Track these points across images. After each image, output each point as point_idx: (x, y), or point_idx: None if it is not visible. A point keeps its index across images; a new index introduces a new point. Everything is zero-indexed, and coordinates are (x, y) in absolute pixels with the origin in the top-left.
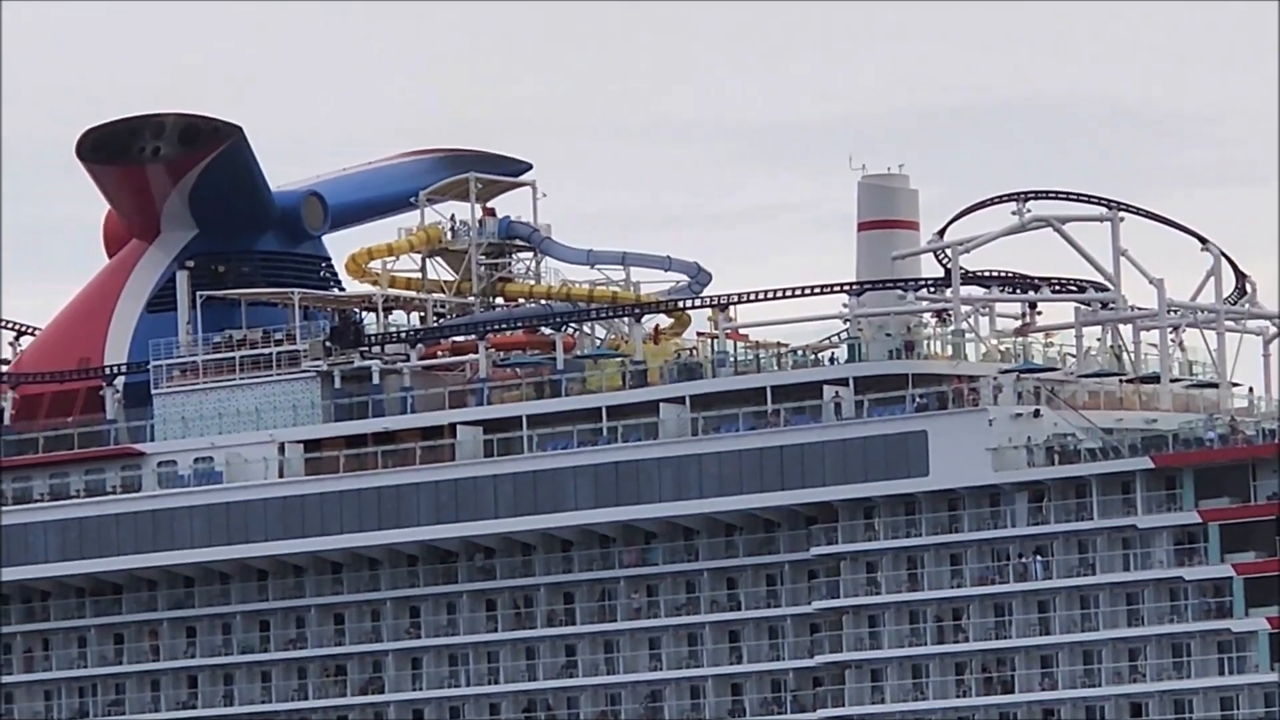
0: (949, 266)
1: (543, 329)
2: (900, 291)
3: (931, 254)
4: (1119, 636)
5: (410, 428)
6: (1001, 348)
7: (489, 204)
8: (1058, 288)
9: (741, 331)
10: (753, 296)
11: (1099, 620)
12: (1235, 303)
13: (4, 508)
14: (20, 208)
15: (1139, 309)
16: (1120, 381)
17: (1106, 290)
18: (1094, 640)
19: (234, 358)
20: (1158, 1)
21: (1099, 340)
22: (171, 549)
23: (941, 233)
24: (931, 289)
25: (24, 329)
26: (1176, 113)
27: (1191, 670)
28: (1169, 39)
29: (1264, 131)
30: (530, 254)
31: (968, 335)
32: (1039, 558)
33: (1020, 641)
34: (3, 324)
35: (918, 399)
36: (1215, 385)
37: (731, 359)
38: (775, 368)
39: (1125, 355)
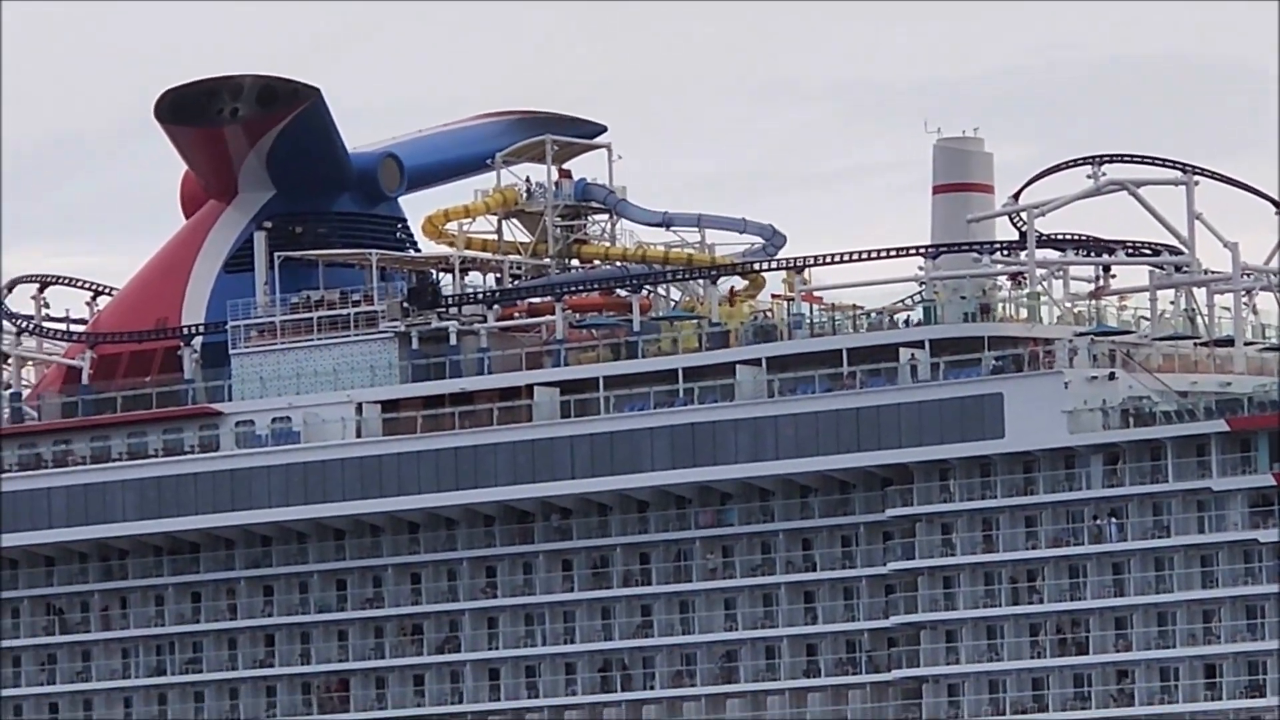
0: (1024, 230)
1: (619, 291)
2: (975, 254)
3: (1007, 217)
4: (1193, 598)
5: (487, 389)
6: (1076, 311)
7: (565, 166)
8: (1132, 251)
9: (816, 294)
10: (828, 259)
11: (1174, 582)
12: None
13: (83, 466)
14: (98, 169)
15: (1213, 272)
16: (1194, 345)
17: (1181, 254)
18: (1169, 602)
19: (311, 318)
20: None
21: (1173, 304)
22: (249, 508)
23: (1017, 196)
24: (1006, 252)
25: (101, 289)
26: (1253, 74)
27: (1265, 632)
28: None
29: None
30: (606, 216)
31: (1043, 298)
32: (1114, 520)
33: (1095, 603)
34: (80, 284)
35: (993, 362)
36: None
37: (807, 321)
38: (851, 330)
39: (1199, 319)
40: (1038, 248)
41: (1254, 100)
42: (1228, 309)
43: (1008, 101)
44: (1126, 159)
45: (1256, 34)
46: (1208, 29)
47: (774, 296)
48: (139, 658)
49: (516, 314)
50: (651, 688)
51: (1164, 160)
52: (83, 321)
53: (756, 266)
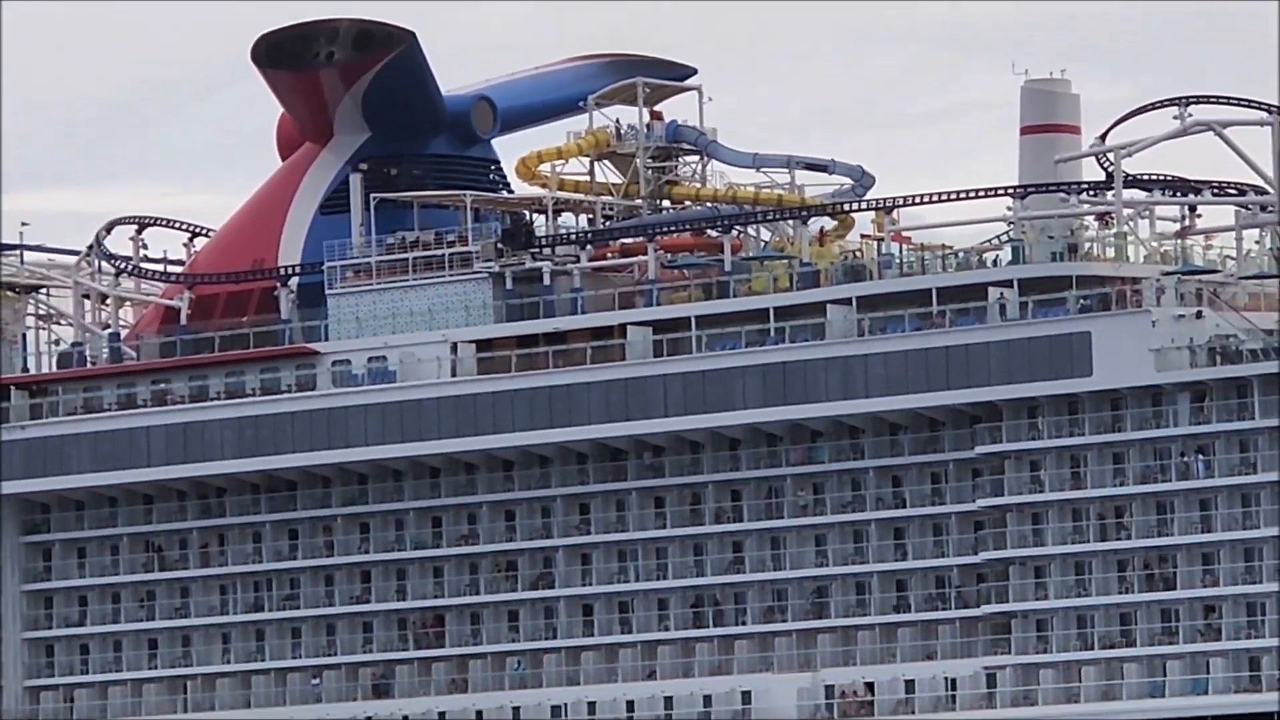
0: (1111, 170)
1: (710, 231)
2: (1063, 195)
3: (1093, 158)
4: (1278, 534)
5: (580, 328)
6: (1163, 250)
7: (656, 108)
8: (1218, 191)
9: (905, 234)
10: (917, 199)
11: (1259, 518)
12: None
13: (181, 405)
14: (196, 112)
15: None
16: None
17: (1266, 194)
18: (1254, 538)
19: (407, 259)
20: None
21: (1258, 243)
22: (345, 447)
23: (1103, 137)
24: (1093, 192)
25: (199, 230)
26: None
27: None
28: None
29: None
30: (696, 157)
31: (1129, 238)
32: (1201, 457)
33: (1182, 539)
34: (178, 225)
35: (1081, 300)
36: None
37: (896, 261)
38: (940, 270)
39: None
40: (1125, 188)
41: None
42: None
43: (1095, 42)
44: (1212, 100)
45: None
46: None
47: (863, 236)
48: (237, 594)
49: (609, 254)
50: (743, 623)
51: (1250, 101)
52: (180, 262)
53: (846, 207)
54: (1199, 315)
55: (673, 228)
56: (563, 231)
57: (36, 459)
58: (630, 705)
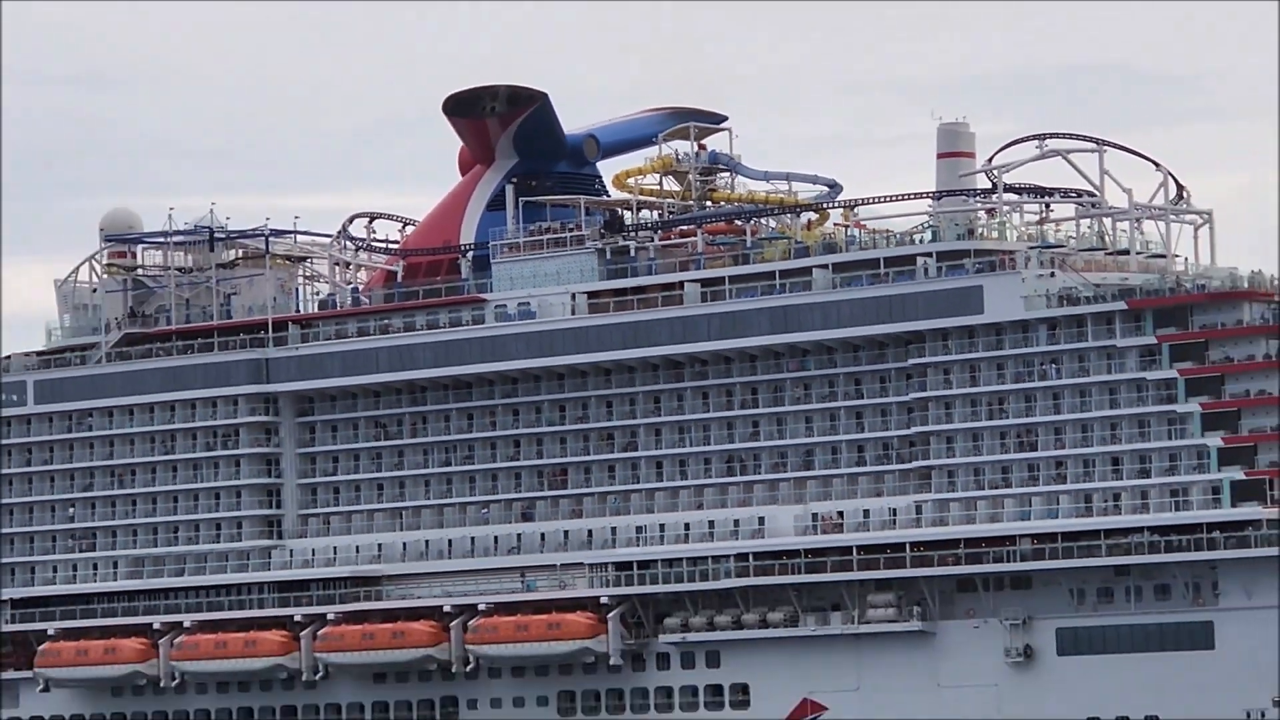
0: (995, 181)
1: (737, 221)
2: (964, 197)
3: (984, 174)
4: (1104, 415)
5: (654, 284)
6: (1028, 233)
7: (702, 141)
8: (1064, 195)
9: (862, 223)
10: (871, 200)
11: (1092, 405)
12: (1176, 204)
13: (397, 334)
14: (406, 141)
15: (1115, 208)
16: (1104, 254)
17: (1095, 196)
18: (1089, 418)
19: (542, 240)
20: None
21: (1089, 228)
22: (504, 360)
23: (990, 160)
24: (983, 196)
25: (409, 221)
26: (1138, 75)
27: (1151, 437)
28: (1151, 17)
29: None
30: (728, 174)
31: (1007, 225)
32: (1054, 365)
33: (1042, 419)
34: (395, 217)
35: (976, 265)
36: (1164, 256)
37: (857, 240)
38: (885, 245)
39: (1107, 238)
40: (1004, 193)
41: (1141, 94)
42: (1125, 231)
43: (985, 95)
44: (1060, 135)
45: (1143, 43)
46: (1117, 42)
47: (835, 224)
48: (434, 455)
49: (672, 236)
50: (759, 474)
51: (1084, 136)
52: (396, 242)
53: (824, 205)
54: (1052, 275)
55: (713, 219)
56: (642, 222)
57: (305, 368)
58: (686, 526)
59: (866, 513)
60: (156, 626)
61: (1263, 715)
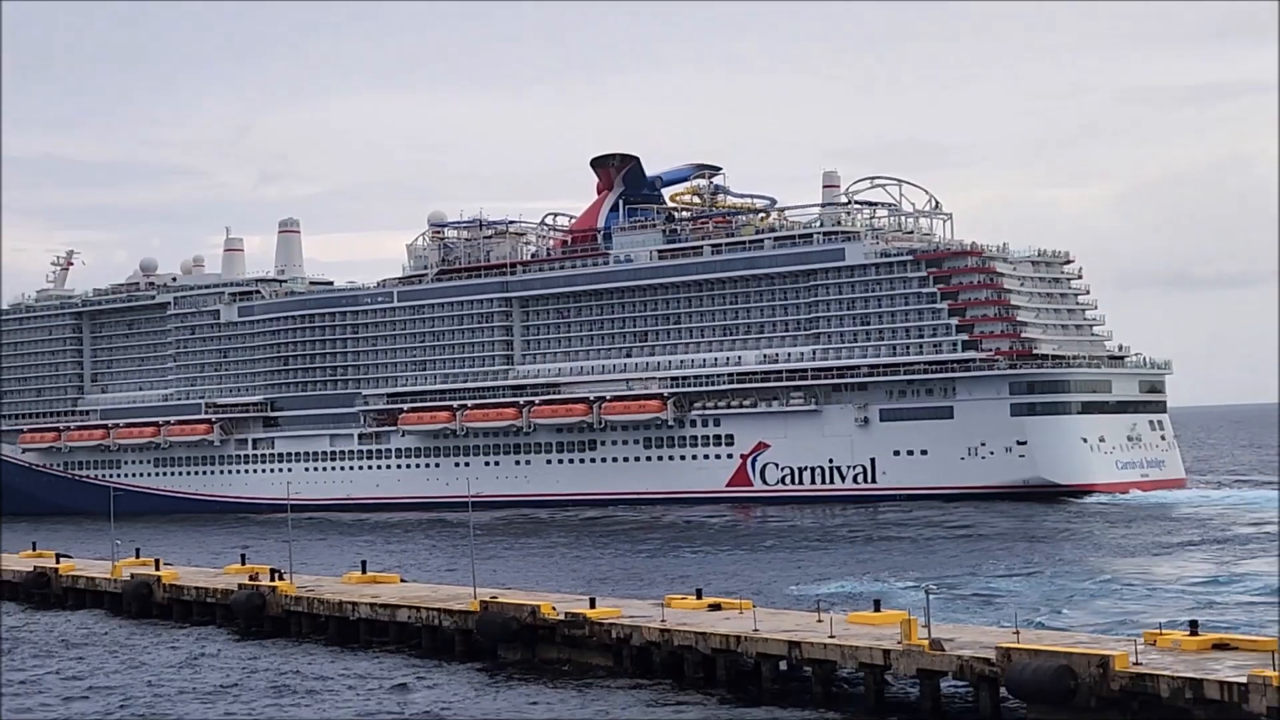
0: (850, 198)
1: (728, 217)
2: (835, 205)
3: (845, 194)
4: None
5: (688, 246)
6: (867, 223)
7: (711, 177)
8: (883, 205)
9: (786, 217)
10: (791, 207)
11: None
12: (935, 208)
13: (569, 270)
14: (565, 175)
15: (907, 211)
16: (901, 233)
17: (896, 205)
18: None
19: (634, 225)
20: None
21: (890, 220)
22: (621, 282)
23: (848, 189)
24: (844, 205)
25: (573, 215)
26: (932, 142)
27: None
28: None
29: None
30: (724, 194)
31: (855, 218)
32: (879, 288)
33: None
34: (557, 214)
35: (843, 237)
36: (931, 235)
37: (784, 226)
38: (798, 228)
39: (903, 224)
40: (853, 203)
41: (922, 154)
42: (911, 220)
43: (850, 155)
44: (882, 176)
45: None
46: (912, 123)
47: (775, 218)
48: (582, 329)
49: (697, 224)
50: (747, 331)
51: (890, 176)
52: (566, 227)
53: (769, 210)
54: (876, 243)
55: (716, 216)
56: (682, 217)
57: (525, 286)
58: (702, 362)
59: (789, 355)
60: (455, 407)
61: None
